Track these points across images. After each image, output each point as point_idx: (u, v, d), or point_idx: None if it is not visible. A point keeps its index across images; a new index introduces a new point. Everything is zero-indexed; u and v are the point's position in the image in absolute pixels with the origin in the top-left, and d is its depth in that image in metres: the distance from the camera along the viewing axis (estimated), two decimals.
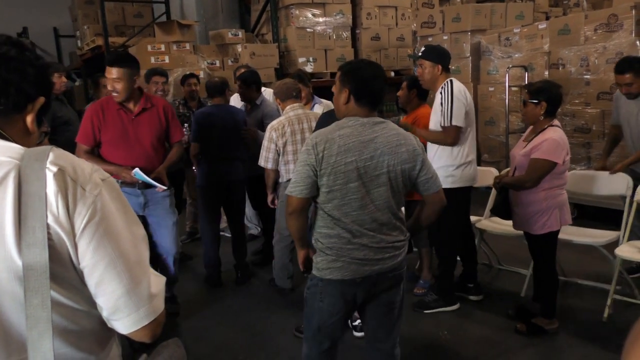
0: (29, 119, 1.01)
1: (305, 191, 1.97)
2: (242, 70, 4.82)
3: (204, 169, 3.93)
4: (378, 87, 2.01)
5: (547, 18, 7.27)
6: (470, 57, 6.45)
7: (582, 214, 4.98)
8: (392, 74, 7.86)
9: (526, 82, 5.69)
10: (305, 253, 2.13)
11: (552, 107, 2.95)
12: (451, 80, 3.23)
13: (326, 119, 2.88)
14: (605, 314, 3.24)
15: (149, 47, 6.29)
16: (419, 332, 3.26)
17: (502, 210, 3.17)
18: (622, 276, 3.39)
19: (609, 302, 3.25)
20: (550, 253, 3.08)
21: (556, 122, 3.00)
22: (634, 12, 4.73)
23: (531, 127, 3.08)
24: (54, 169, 0.91)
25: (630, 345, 0.58)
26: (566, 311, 3.38)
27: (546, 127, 2.94)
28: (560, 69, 5.39)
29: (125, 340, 1.08)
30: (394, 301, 2.12)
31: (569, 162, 2.96)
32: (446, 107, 3.15)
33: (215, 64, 6.73)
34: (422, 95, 3.70)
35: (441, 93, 3.20)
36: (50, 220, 0.89)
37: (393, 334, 2.19)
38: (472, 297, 3.59)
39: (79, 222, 0.91)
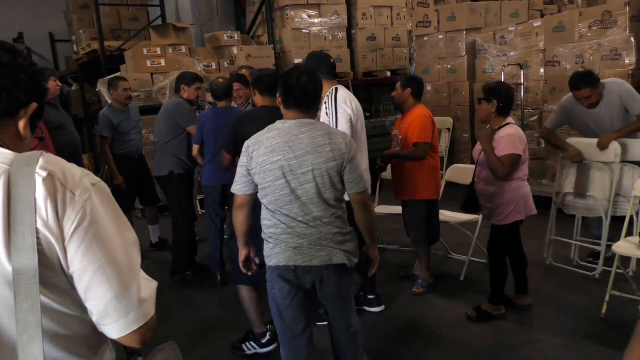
0: (22, 124, 1.02)
1: (245, 189, 2.22)
2: (244, 70, 4.81)
3: (205, 170, 3.99)
4: (300, 92, 2.16)
5: (542, 16, 7.27)
6: (466, 56, 6.46)
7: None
8: (389, 73, 7.87)
9: (522, 80, 5.71)
10: (247, 252, 2.35)
11: (504, 106, 3.17)
12: (336, 88, 3.11)
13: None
14: (604, 310, 3.24)
15: (145, 51, 6.29)
16: (418, 332, 3.26)
17: (470, 205, 3.39)
18: (621, 273, 3.39)
19: (607, 298, 3.25)
20: (508, 244, 3.30)
21: (510, 119, 3.22)
22: (628, 8, 4.74)
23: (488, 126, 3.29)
24: (44, 173, 0.91)
25: (632, 346, 0.57)
26: (564, 307, 3.38)
27: (503, 126, 3.16)
28: (555, 66, 5.40)
29: (120, 344, 1.08)
30: (338, 291, 2.23)
31: (527, 157, 3.20)
32: (332, 117, 3.03)
33: (212, 66, 6.73)
34: (417, 94, 3.71)
35: (325, 102, 3.07)
36: (39, 225, 0.89)
37: (346, 313, 2.31)
38: (373, 309, 3.48)
39: (68, 227, 0.91)
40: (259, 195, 2.21)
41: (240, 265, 2.37)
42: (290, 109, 2.19)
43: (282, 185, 2.11)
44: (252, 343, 3.05)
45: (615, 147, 3.69)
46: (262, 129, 2.79)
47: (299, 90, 2.16)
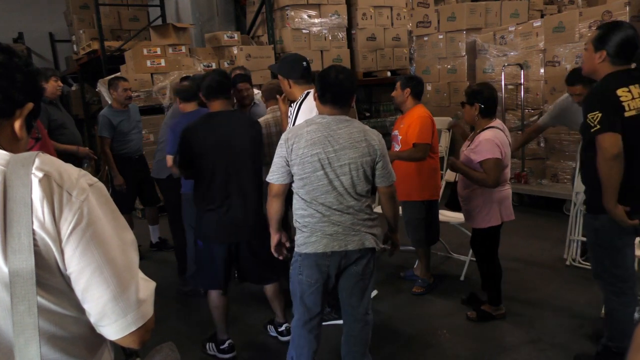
0: (17, 124, 1.01)
1: (281, 179, 2.35)
2: (237, 72, 4.79)
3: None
4: (337, 90, 2.30)
5: (542, 16, 7.28)
6: (466, 56, 6.45)
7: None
8: (389, 73, 7.86)
9: (522, 80, 5.71)
10: (279, 237, 2.51)
11: (487, 108, 3.17)
12: (307, 93, 2.93)
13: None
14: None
15: (145, 51, 6.28)
16: (418, 333, 3.26)
17: (453, 203, 3.42)
18: None
19: None
20: (492, 246, 3.29)
21: (496, 122, 3.19)
22: (628, 8, 4.73)
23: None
24: (40, 174, 0.91)
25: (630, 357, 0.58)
26: (564, 307, 3.38)
27: (486, 128, 3.15)
28: (555, 66, 5.39)
29: (118, 345, 1.08)
30: (362, 272, 2.40)
31: (506, 161, 3.15)
32: (291, 123, 2.94)
33: (212, 66, 6.72)
34: (417, 94, 3.70)
35: (292, 105, 2.99)
36: (35, 226, 0.89)
37: (364, 300, 2.47)
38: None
39: (65, 228, 0.91)
40: (294, 185, 2.35)
41: (272, 249, 2.54)
42: (326, 104, 2.33)
43: (320, 176, 2.26)
44: (213, 345, 3.11)
45: None
46: (225, 140, 2.77)
47: (336, 87, 2.29)
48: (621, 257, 2.54)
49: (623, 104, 2.35)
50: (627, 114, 2.35)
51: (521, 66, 5.69)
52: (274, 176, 2.36)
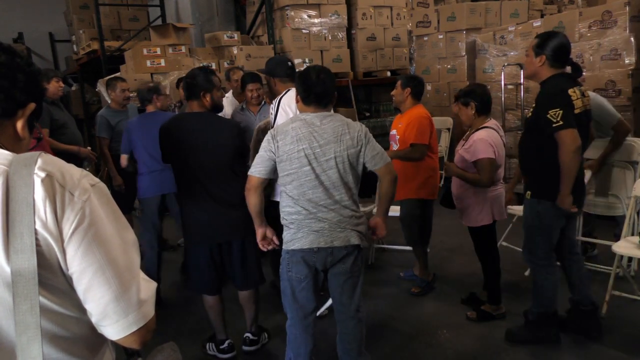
0: (20, 124, 1.02)
1: (264, 172, 2.36)
2: (236, 71, 4.79)
3: (141, 181, 3.77)
4: (320, 89, 2.33)
5: (542, 16, 7.28)
6: (466, 56, 6.45)
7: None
8: (388, 73, 7.86)
9: (522, 80, 5.71)
10: (263, 231, 2.52)
11: (482, 106, 3.21)
12: (287, 90, 3.13)
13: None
14: (604, 310, 3.24)
15: (145, 51, 6.28)
16: (418, 332, 3.26)
17: (447, 200, 3.44)
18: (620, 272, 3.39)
19: (607, 297, 3.25)
20: (489, 245, 3.32)
21: (491, 122, 3.22)
22: (627, 8, 4.73)
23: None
24: (42, 174, 0.91)
25: None
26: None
27: (480, 128, 3.18)
28: None
29: (120, 345, 1.08)
30: (351, 270, 2.41)
31: (500, 161, 3.18)
32: (272, 116, 3.08)
33: (212, 66, 6.72)
34: (417, 94, 3.70)
35: (273, 102, 3.15)
36: (38, 226, 0.89)
37: (355, 298, 2.47)
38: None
39: (67, 228, 0.91)
40: (282, 182, 2.36)
41: (259, 243, 2.54)
42: (310, 105, 2.36)
43: (307, 171, 2.28)
44: (213, 345, 3.12)
45: (638, 145, 3.69)
46: (198, 142, 2.75)
47: (319, 87, 2.32)
48: (554, 235, 2.88)
49: (573, 102, 2.65)
50: (576, 111, 2.65)
51: (521, 66, 5.69)
52: (256, 168, 2.37)
